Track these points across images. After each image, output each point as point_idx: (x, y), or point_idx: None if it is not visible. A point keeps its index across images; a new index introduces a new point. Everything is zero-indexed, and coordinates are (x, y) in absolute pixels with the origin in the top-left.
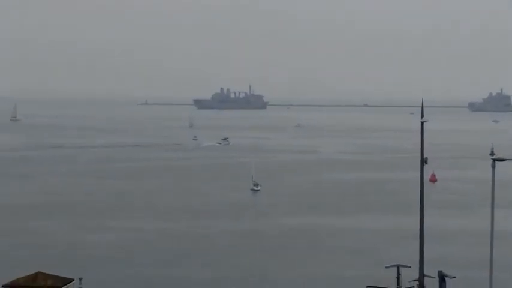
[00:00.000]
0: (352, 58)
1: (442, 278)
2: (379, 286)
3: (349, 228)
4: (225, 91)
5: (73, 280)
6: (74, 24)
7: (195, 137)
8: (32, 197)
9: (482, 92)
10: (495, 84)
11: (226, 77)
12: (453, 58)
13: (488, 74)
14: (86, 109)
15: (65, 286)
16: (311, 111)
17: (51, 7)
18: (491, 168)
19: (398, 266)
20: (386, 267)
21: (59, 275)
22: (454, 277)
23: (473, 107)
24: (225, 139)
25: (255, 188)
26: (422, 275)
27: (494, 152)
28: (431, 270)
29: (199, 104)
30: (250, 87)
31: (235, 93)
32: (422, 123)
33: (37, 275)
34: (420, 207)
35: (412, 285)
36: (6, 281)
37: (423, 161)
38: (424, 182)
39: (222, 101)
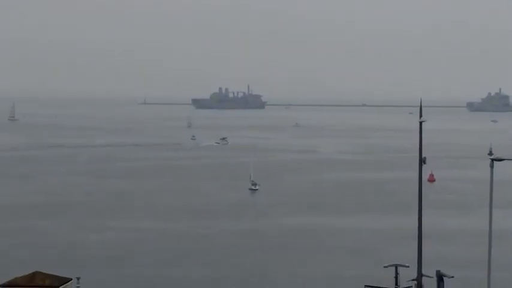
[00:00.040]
0: (352, 58)
1: (440, 277)
2: (377, 286)
3: (347, 228)
4: (223, 91)
5: (71, 280)
6: (74, 24)
7: (193, 136)
8: (31, 197)
9: (482, 91)
10: (495, 84)
11: (226, 77)
12: (453, 58)
13: (488, 74)
14: (86, 109)
15: (63, 286)
16: (310, 111)
17: (51, 7)
18: (489, 168)
19: (396, 266)
20: (384, 267)
21: (56, 274)
22: (452, 277)
23: (472, 106)
24: (223, 139)
25: (253, 187)
26: (420, 274)
27: (493, 152)
28: (429, 269)
29: (198, 103)
30: (248, 87)
31: (233, 93)
32: (420, 123)
33: (35, 274)
34: (418, 207)
35: (410, 285)
36: (4, 280)
37: (421, 161)
38: (423, 181)
39: (221, 100)
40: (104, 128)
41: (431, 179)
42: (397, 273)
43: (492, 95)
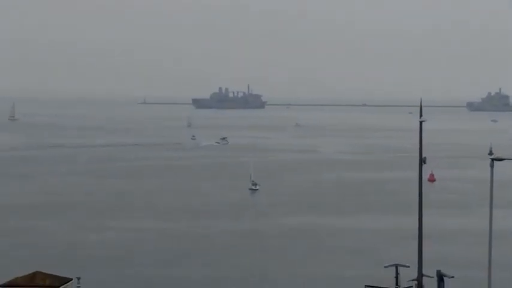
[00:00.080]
0: (352, 58)
1: (440, 277)
2: (378, 286)
3: (348, 227)
4: (223, 91)
5: (71, 280)
6: (74, 24)
7: (193, 136)
8: (31, 197)
9: (482, 91)
10: (495, 84)
11: (226, 77)
12: (453, 58)
13: (488, 74)
14: (86, 109)
15: (63, 286)
16: (310, 110)
17: (51, 7)
18: (489, 168)
19: (396, 266)
20: (385, 267)
21: (57, 274)
22: (453, 277)
23: (472, 106)
24: (223, 138)
25: (253, 187)
26: (420, 274)
27: (493, 152)
28: (429, 269)
29: (198, 103)
30: (248, 86)
31: (233, 92)
32: (420, 122)
33: (35, 274)
34: (419, 207)
35: (410, 285)
36: (4, 280)
37: (422, 161)
38: (423, 181)
39: (221, 100)
40: (104, 127)
41: (432, 179)
42: (397, 273)
43: (492, 94)
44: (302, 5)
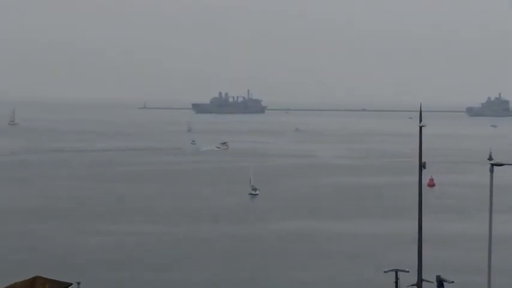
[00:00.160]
0: (352, 58)
1: (440, 282)
2: None
3: (347, 232)
4: (223, 95)
5: (71, 284)
6: (74, 24)
7: (193, 141)
8: (31, 201)
9: (482, 93)
10: (494, 85)
11: (226, 77)
12: (453, 58)
13: (488, 74)
14: (86, 113)
15: None
16: (310, 115)
17: (51, 7)
18: (489, 173)
19: (396, 271)
20: (384, 272)
21: (57, 279)
22: (453, 282)
23: (472, 111)
24: (224, 143)
25: (253, 192)
26: (420, 279)
27: (493, 157)
28: (429, 274)
29: (198, 108)
30: (248, 91)
31: (233, 97)
32: (420, 127)
33: (35, 279)
34: (418, 212)
35: None
36: (4, 285)
37: (421, 166)
38: (423, 186)
39: (221, 105)
40: (104, 132)
41: (431, 184)
42: (397, 278)
43: (492, 100)
44: (302, 5)
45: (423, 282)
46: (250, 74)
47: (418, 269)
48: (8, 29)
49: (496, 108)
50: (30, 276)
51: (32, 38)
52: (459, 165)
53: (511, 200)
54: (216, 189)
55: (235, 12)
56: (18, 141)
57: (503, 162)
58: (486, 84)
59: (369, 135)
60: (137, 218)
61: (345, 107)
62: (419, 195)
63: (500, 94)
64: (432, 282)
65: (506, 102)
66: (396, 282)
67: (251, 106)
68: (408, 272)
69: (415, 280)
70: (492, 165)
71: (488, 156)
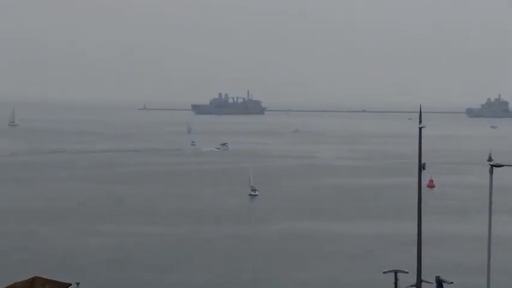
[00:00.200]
0: (352, 58)
1: (439, 283)
2: None
3: (347, 233)
4: (223, 96)
5: (70, 285)
6: (74, 24)
7: (193, 142)
8: (31, 202)
9: (481, 94)
10: (494, 86)
11: (226, 77)
12: (453, 58)
13: (488, 74)
14: (86, 114)
15: None
16: (309, 116)
17: (51, 7)
18: (489, 174)
19: (396, 272)
20: (384, 273)
21: (56, 279)
22: (452, 282)
23: (471, 112)
24: (223, 144)
25: (252, 193)
26: (419, 280)
27: (492, 158)
28: (429, 275)
29: (197, 109)
30: (248, 92)
31: (233, 98)
32: (420, 129)
33: (34, 279)
34: (418, 213)
35: None
36: (3, 285)
37: (421, 167)
38: (422, 187)
39: (220, 106)
40: (104, 133)
41: (431, 185)
42: (396, 279)
43: (492, 101)
44: (302, 5)
45: (422, 283)
46: (250, 75)
47: (417, 270)
48: (8, 29)
49: (495, 109)
50: (30, 276)
51: (32, 38)
52: (459, 166)
53: (510, 201)
54: (215, 190)
55: (235, 12)
56: (18, 142)
57: (502, 164)
58: (486, 85)
59: (369, 137)
60: (137, 218)
61: (345, 108)
62: (418, 196)
63: (500, 95)
64: (432, 283)
65: (506, 103)
66: (395, 283)
67: (251, 107)
68: (408, 272)
69: (414, 281)
70: (492, 166)
71: (487, 157)
